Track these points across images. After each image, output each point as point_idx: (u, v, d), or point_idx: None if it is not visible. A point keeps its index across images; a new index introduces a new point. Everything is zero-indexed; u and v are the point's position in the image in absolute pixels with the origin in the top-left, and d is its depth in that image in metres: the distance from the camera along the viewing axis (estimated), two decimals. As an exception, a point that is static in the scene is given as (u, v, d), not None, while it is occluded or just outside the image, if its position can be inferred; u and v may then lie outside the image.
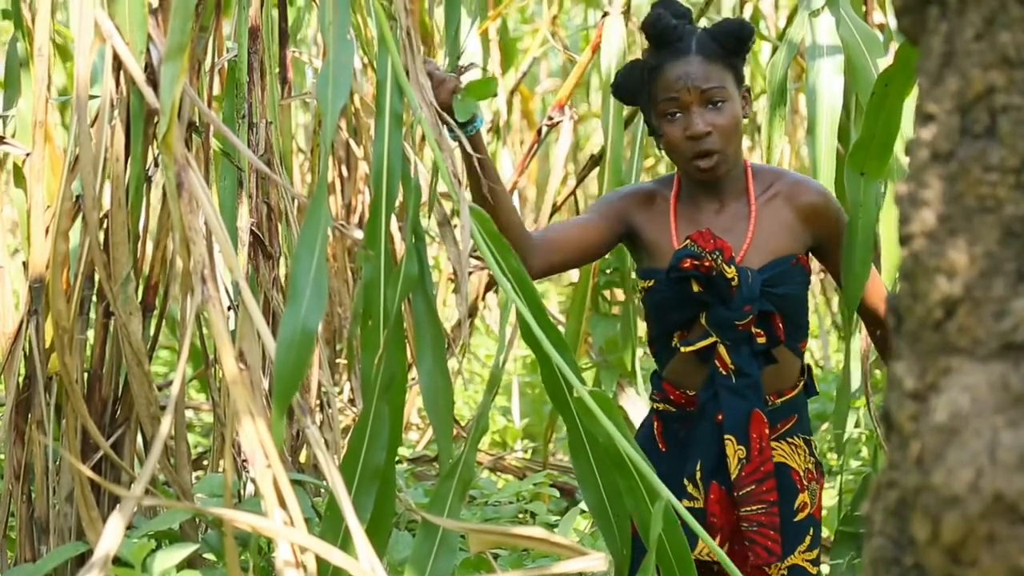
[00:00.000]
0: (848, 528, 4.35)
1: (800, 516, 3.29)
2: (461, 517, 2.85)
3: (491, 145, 7.75)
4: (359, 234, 2.63)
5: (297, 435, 4.39)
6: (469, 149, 2.91)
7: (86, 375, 3.52)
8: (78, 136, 3.17)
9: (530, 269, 3.09)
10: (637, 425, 3.74)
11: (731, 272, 3.16)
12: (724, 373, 3.20)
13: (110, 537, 1.97)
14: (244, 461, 3.71)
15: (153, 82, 3.02)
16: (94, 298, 3.48)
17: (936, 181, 1.36)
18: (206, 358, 3.92)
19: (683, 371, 3.29)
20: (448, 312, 7.60)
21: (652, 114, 3.27)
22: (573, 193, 6.40)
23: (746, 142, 10.84)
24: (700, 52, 3.20)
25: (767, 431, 3.21)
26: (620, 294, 5.56)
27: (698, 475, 3.21)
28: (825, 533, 5.10)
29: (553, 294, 11.69)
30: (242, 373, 2.21)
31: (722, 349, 3.20)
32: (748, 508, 3.19)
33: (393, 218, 2.71)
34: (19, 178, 4.17)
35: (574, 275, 7.73)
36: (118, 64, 3.22)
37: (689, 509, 3.02)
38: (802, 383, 3.36)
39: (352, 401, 6.26)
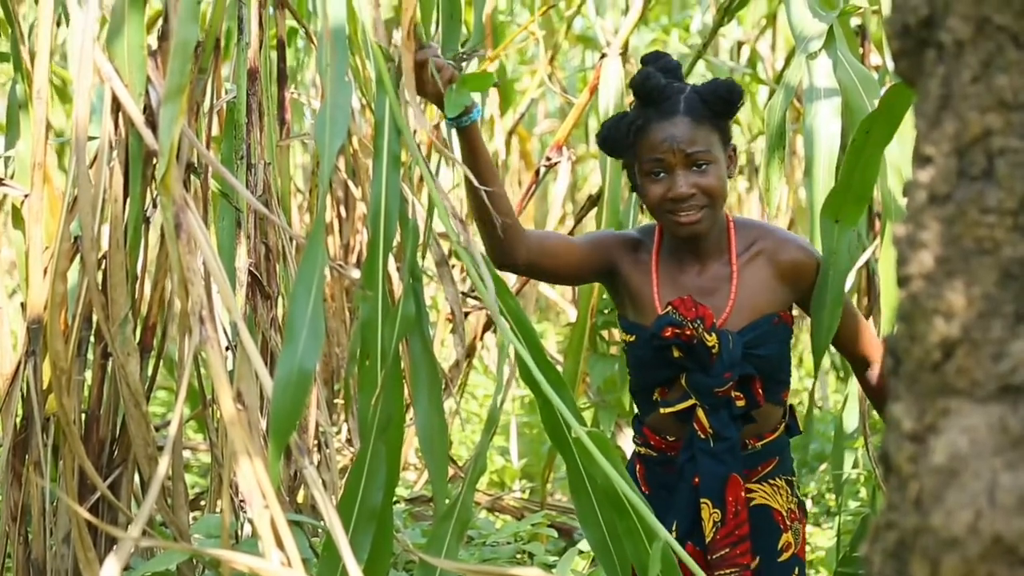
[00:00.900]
0: (847, 569, 4.34)
1: (784, 556, 3.30)
2: (459, 557, 2.85)
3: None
4: (357, 274, 2.63)
5: (295, 475, 4.38)
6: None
7: (84, 416, 3.52)
8: (77, 177, 3.18)
9: (510, 258, 3.10)
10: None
11: (712, 340, 3.16)
12: (702, 437, 3.20)
13: (107, 579, 1.97)
14: (242, 501, 3.70)
15: (152, 123, 3.02)
16: (92, 339, 3.48)
17: (934, 223, 1.36)
18: (204, 398, 3.92)
19: (663, 423, 3.29)
20: (446, 352, 7.60)
21: (636, 171, 3.26)
22: (571, 233, 6.40)
23: (744, 183, 10.87)
24: (688, 113, 3.18)
25: (743, 495, 3.21)
26: (618, 334, 5.56)
27: (674, 535, 3.20)
28: (824, 574, 5.09)
29: (551, 334, 11.68)
30: (240, 413, 2.21)
31: (701, 413, 3.20)
32: (722, 571, 3.20)
33: (391, 258, 2.72)
34: (18, 219, 4.18)
35: (572, 315, 7.72)
36: (117, 106, 3.24)
37: None
38: (783, 425, 3.35)
39: (349, 441, 6.26)
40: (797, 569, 3.32)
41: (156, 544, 3.15)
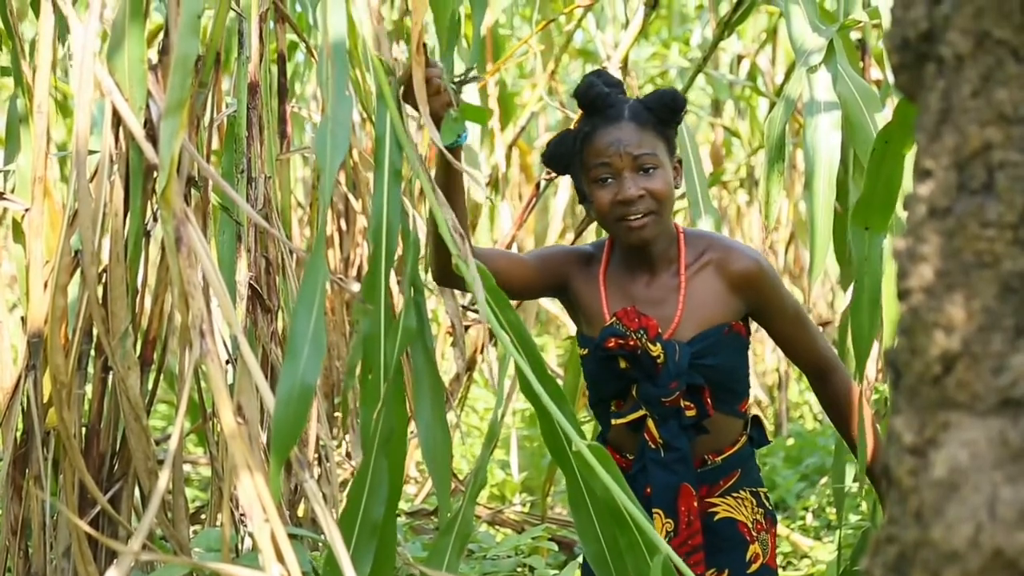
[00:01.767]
0: (848, 583, 4.33)
1: (754, 567, 3.30)
2: (460, 571, 2.84)
3: (489, 199, 7.76)
4: (357, 288, 2.63)
5: (295, 489, 4.38)
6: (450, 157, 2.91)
7: (84, 430, 3.52)
8: (77, 191, 3.18)
9: (454, 278, 3.07)
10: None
11: (656, 350, 3.16)
12: (653, 447, 3.20)
13: (107, 593, 1.96)
14: (242, 515, 3.70)
15: (152, 137, 3.03)
16: (92, 352, 3.48)
17: (934, 236, 1.36)
18: (204, 412, 3.92)
19: (621, 437, 3.30)
20: (447, 366, 7.60)
21: (583, 180, 3.25)
22: (573, 243, 6.40)
23: (744, 196, 10.88)
24: (633, 119, 3.19)
25: (696, 504, 3.22)
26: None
27: None
28: (825, 588, 5.08)
29: (552, 347, 11.68)
30: (240, 427, 2.21)
31: (651, 423, 3.20)
32: None
33: (392, 272, 2.72)
34: (18, 233, 4.18)
35: (572, 328, 7.73)
36: (117, 120, 3.24)
37: None
38: (744, 438, 3.35)
39: (350, 455, 6.25)
40: None
41: (156, 558, 3.15)
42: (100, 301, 3.30)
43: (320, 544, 4.21)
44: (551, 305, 9.02)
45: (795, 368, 9.27)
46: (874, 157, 3.15)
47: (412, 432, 4.31)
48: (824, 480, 7.15)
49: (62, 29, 3.44)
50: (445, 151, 2.89)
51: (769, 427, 8.71)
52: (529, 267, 3.31)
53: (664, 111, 3.23)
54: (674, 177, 3.23)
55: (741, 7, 5.17)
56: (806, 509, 7.07)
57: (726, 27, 5.38)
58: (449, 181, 3.04)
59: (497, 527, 6.29)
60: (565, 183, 5.83)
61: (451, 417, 5.91)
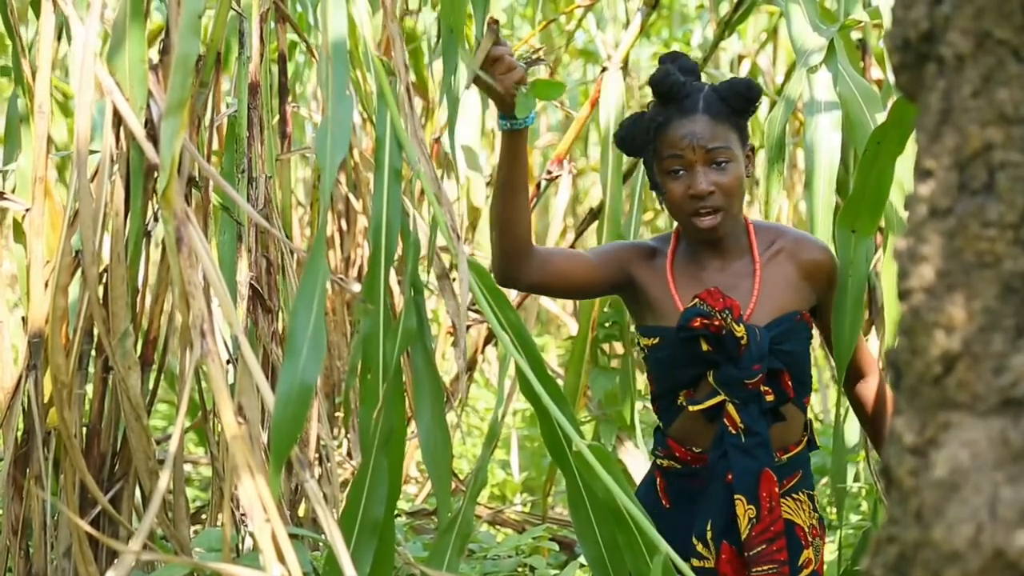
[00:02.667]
0: (848, 583, 4.33)
1: (804, 573, 3.28)
2: (460, 571, 2.84)
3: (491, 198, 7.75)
4: (358, 288, 2.63)
5: (296, 489, 4.38)
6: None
7: (84, 430, 3.52)
8: (78, 191, 3.18)
9: (519, 276, 3.10)
10: (637, 478, 3.73)
11: (740, 331, 3.15)
12: (733, 432, 3.18)
13: (108, 593, 1.97)
14: (243, 515, 3.70)
15: (153, 137, 3.03)
16: (93, 352, 3.48)
17: (935, 237, 1.36)
18: (204, 412, 3.91)
19: (689, 429, 3.27)
20: (447, 365, 7.60)
21: (655, 169, 3.26)
22: (572, 246, 6.40)
23: (745, 196, 10.87)
24: (707, 111, 3.18)
25: (777, 490, 3.20)
26: (619, 347, 5.55)
27: (708, 534, 3.18)
28: (825, 588, 5.08)
29: (552, 347, 11.67)
30: (241, 427, 2.21)
31: (731, 408, 3.18)
32: (759, 568, 3.16)
33: (392, 272, 2.72)
34: (19, 233, 4.18)
35: (573, 328, 7.71)
36: (118, 120, 3.24)
37: (700, 569, 3.03)
38: (806, 438, 3.34)
39: (351, 454, 6.25)
40: None
41: (157, 558, 3.15)
42: (101, 301, 3.30)
43: (321, 544, 4.21)
44: (551, 305, 9.01)
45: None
46: (865, 158, 3.15)
47: (413, 432, 4.31)
48: (825, 480, 7.15)
49: (63, 29, 3.44)
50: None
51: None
52: (591, 264, 3.30)
53: (739, 101, 3.22)
54: (746, 166, 3.24)
55: (741, 7, 5.18)
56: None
57: (726, 27, 5.38)
58: (514, 171, 3.05)
59: (498, 527, 6.28)
60: (565, 184, 5.82)
61: (451, 417, 5.91)
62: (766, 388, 3.19)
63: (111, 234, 3.29)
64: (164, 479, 2.23)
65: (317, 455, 4.50)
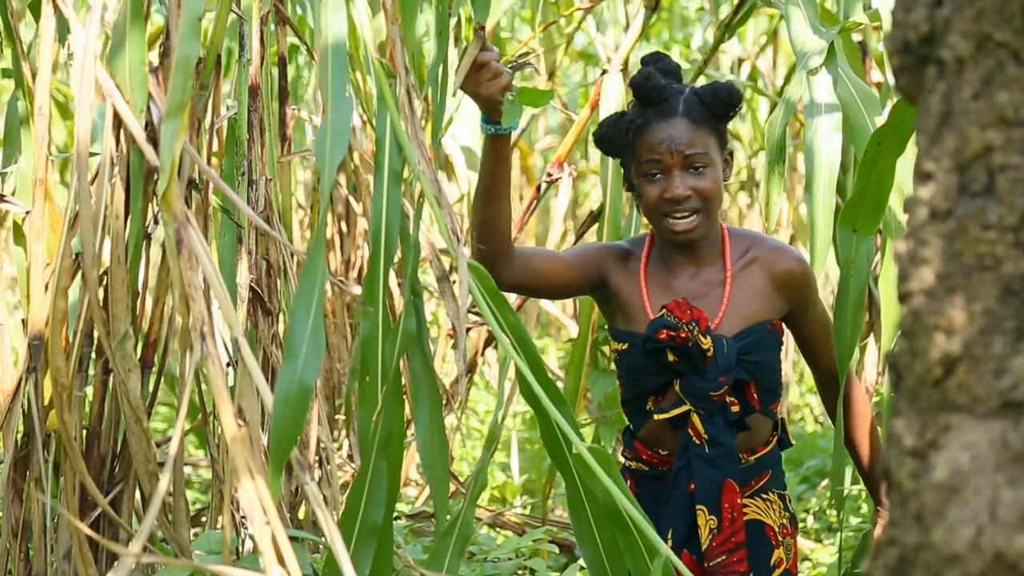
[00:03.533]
0: (848, 585, 4.33)
1: (777, 573, 3.29)
2: (460, 573, 2.84)
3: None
4: (358, 290, 2.62)
5: (296, 491, 4.38)
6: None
7: (85, 432, 3.52)
8: (78, 193, 3.18)
9: (500, 277, 3.09)
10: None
11: (707, 343, 3.15)
12: (697, 442, 3.19)
13: (108, 595, 1.97)
14: (243, 518, 3.70)
15: (153, 140, 3.03)
16: (93, 355, 3.48)
17: (935, 239, 1.36)
18: (204, 414, 3.91)
19: (657, 433, 3.29)
20: (447, 368, 7.60)
21: (632, 171, 3.26)
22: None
23: (745, 199, 10.87)
24: (687, 115, 3.18)
25: (739, 501, 3.21)
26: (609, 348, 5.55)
27: (669, 543, 3.18)
28: (826, 591, 5.08)
29: (552, 349, 11.67)
30: (241, 429, 2.21)
31: (695, 418, 3.19)
32: None
33: (392, 274, 2.72)
34: (19, 235, 4.17)
35: (573, 331, 7.70)
36: (118, 122, 3.24)
37: None
38: (775, 438, 3.35)
39: (351, 457, 6.24)
40: None
41: (157, 560, 3.14)
42: (101, 303, 3.29)
43: (320, 546, 4.21)
44: (552, 307, 9.01)
45: (796, 371, 9.32)
46: (866, 159, 3.15)
47: (413, 435, 4.31)
48: (825, 482, 7.15)
49: (63, 31, 3.44)
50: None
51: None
52: (568, 264, 3.31)
53: (718, 105, 3.22)
54: (724, 171, 3.23)
55: (742, 9, 5.17)
56: (807, 511, 7.06)
57: (726, 29, 5.37)
58: (496, 175, 3.05)
59: (498, 529, 6.28)
60: (565, 186, 5.82)
61: (452, 419, 5.91)
62: (732, 399, 3.20)
63: (111, 236, 3.29)
64: (164, 481, 2.23)
65: (317, 457, 4.50)
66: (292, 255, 4.15)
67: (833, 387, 3.41)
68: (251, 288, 3.93)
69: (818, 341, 3.36)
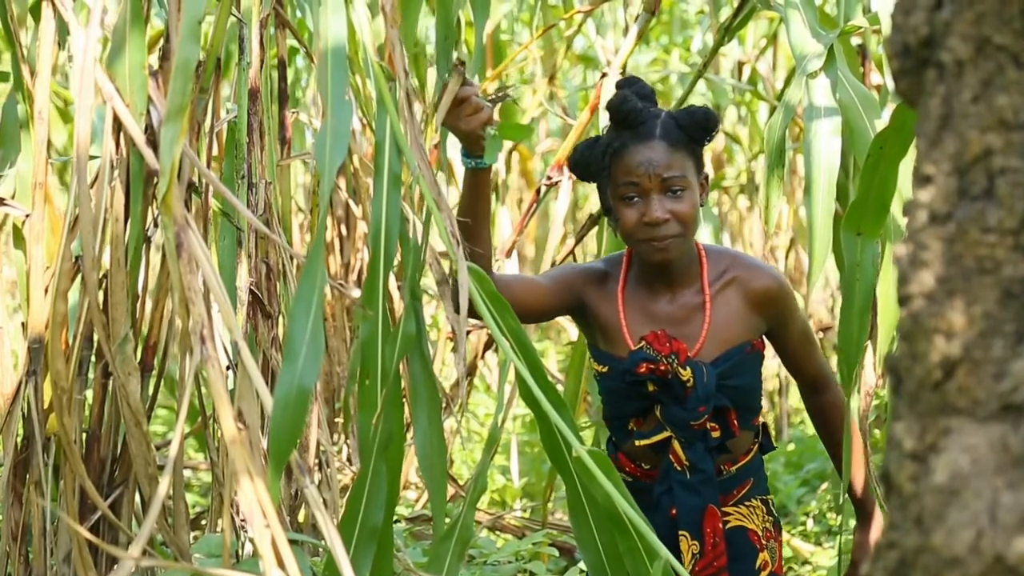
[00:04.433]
0: (848, 589, 4.32)
1: (762, 575, 3.31)
2: (460, 577, 2.84)
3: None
4: (357, 293, 2.62)
5: (296, 494, 4.38)
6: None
7: (84, 435, 3.51)
8: (78, 197, 3.18)
9: None
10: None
11: (686, 374, 3.16)
12: (679, 468, 3.20)
13: (107, 599, 1.97)
14: (242, 521, 3.69)
15: (153, 143, 3.02)
16: (93, 358, 3.47)
17: (935, 242, 1.36)
18: (204, 417, 3.91)
19: (639, 452, 3.30)
20: (447, 371, 7.60)
21: (609, 194, 3.25)
22: (572, 252, 6.39)
23: (745, 202, 10.87)
24: (664, 138, 3.17)
25: (721, 526, 3.21)
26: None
27: None
28: (826, 594, 5.08)
29: (552, 353, 11.67)
30: (241, 432, 2.21)
31: (676, 445, 3.20)
32: None
33: (391, 277, 2.72)
34: (19, 239, 4.17)
35: (573, 334, 7.70)
36: (118, 125, 3.24)
37: None
38: (756, 446, 3.36)
39: (350, 460, 6.24)
40: None
41: (157, 564, 3.15)
42: (101, 307, 3.29)
43: (320, 549, 4.21)
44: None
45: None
46: (869, 162, 3.15)
47: (412, 438, 4.31)
48: (825, 485, 7.15)
49: (63, 34, 3.44)
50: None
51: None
52: (545, 290, 3.30)
53: (695, 129, 3.21)
54: (700, 195, 3.22)
55: (741, 13, 5.17)
56: (807, 515, 7.06)
57: (726, 33, 5.37)
58: (476, 208, 3.05)
59: (498, 532, 6.28)
60: (565, 190, 5.82)
61: (452, 423, 5.91)
62: (713, 425, 3.20)
63: (111, 240, 3.29)
64: (164, 485, 2.23)
65: (317, 460, 4.50)
66: (292, 258, 4.15)
67: (813, 394, 3.42)
68: (251, 291, 3.93)
69: (799, 354, 3.37)
